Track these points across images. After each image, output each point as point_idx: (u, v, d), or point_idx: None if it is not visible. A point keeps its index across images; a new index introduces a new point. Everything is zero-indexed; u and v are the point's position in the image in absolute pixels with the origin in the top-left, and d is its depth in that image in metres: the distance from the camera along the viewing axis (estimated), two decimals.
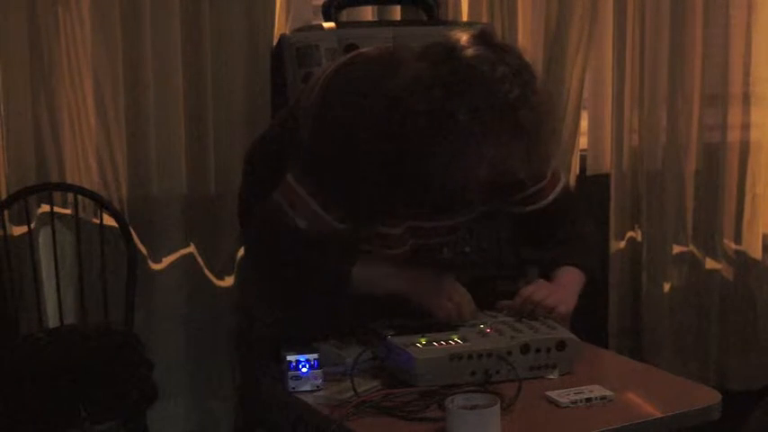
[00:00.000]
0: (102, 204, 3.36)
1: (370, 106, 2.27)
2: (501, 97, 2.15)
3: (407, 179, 2.31)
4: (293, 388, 2.26)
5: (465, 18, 3.63)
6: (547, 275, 2.55)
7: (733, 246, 3.98)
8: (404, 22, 3.52)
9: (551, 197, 2.55)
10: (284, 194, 2.38)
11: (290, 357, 2.27)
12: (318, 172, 2.36)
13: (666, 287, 3.93)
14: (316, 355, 2.29)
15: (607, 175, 3.85)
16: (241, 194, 2.70)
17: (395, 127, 2.22)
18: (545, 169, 2.49)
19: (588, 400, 2.18)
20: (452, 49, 2.20)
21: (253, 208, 2.61)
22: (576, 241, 2.60)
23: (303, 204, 2.36)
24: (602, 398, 2.19)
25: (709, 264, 3.96)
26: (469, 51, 2.19)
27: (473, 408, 2.03)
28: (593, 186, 3.82)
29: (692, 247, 3.94)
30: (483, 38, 2.22)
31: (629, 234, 3.91)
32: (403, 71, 2.24)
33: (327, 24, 3.29)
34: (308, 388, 2.26)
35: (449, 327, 2.37)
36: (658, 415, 2.18)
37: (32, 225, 3.35)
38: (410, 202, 2.42)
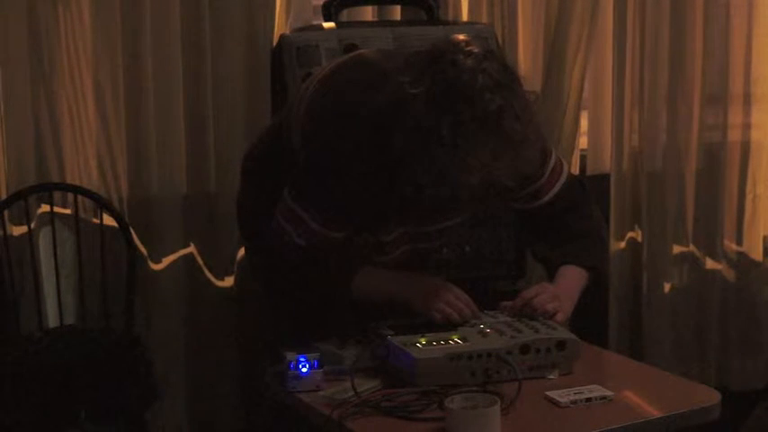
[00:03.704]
0: (102, 204, 3.36)
1: (354, 124, 2.28)
2: (483, 108, 2.14)
3: (397, 191, 2.31)
4: (293, 388, 2.26)
5: (465, 18, 3.63)
6: (551, 272, 2.56)
7: (734, 247, 3.97)
8: (404, 22, 3.52)
9: (551, 194, 2.55)
10: (281, 212, 2.40)
11: (290, 357, 2.27)
12: (310, 187, 2.38)
13: (666, 287, 3.92)
14: (316, 355, 2.29)
15: (607, 175, 3.84)
16: (239, 201, 2.71)
17: (380, 143, 2.23)
18: (538, 170, 2.48)
19: (588, 400, 2.18)
20: (434, 61, 2.20)
21: (250, 216, 2.62)
22: (582, 239, 2.60)
23: (300, 222, 2.38)
24: (602, 398, 2.19)
25: (710, 264, 3.95)
26: (450, 62, 2.18)
27: (473, 408, 2.03)
28: (594, 186, 3.82)
29: (692, 248, 3.94)
30: (465, 45, 2.21)
31: (629, 234, 3.90)
32: (386, 87, 2.24)
33: (327, 24, 3.29)
34: (307, 388, 2.26)
35: (449, 327, 2.37)
36: (658, 415, 2.18)
37: (32, 225, 3.35)
38: (401, 212, 2.42)
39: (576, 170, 3.79)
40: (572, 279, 2.55)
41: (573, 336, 2.35)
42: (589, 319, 2.77)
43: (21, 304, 3.32)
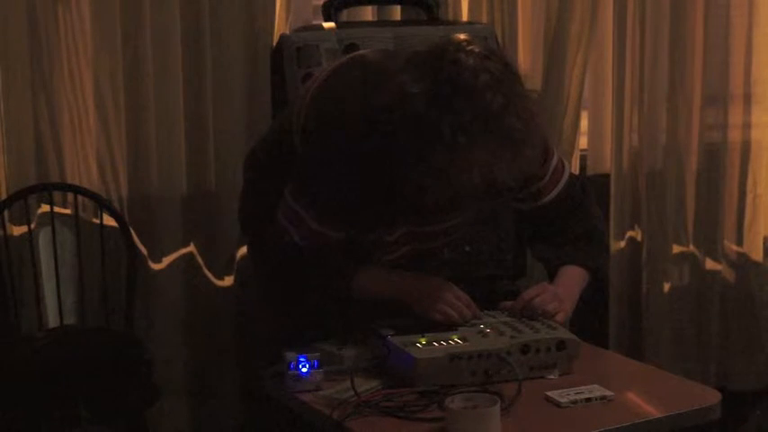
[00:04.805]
0: (102, 204, 3.36)
1: (355, 124, 2.28)
2: (485, 107, 2.14)
3: (398, 191, 2.31)
4: (293, 388, 2.27)
5: (465, 18, 3.63)
6: (552, 272, 2.56)
7: (734, 247, 3.97)
8: (404, 22, 3.52)
9: (553, 194, 2.55)
10: (283, 212, 2.40)
11: (290, 357, 2.27)
12: (311, 187, 2.38)
13: (666, 287, 3.92)
14: (316, 355, 2.29)
15: (607, 175, 3.84)
16: (240, 201, 2.71)
17: (381, 143, 2.23)
18: (539, 169, 2.48)
19: (588, 400, 2.18)
20: (435, 60, 2.20)
21: (251, 217, 2.63)
22: (583, 239, 2.60)
23: (300, 222, 2.38)
24: (602, 398, 2.19)
25: (710, 264, 3.95)
26: (451, 61, 2.18)
27: (473, 408, 2.03)
28: (594, 186, 3.81)
29: (692, 247, 3.94)
30: (466, 44, 2.21)
31: (629, 234, 3.90)
32: (387, 86, 2.24)
33: (327, 24, 3.29)
34: (307, 388, 2.26)
35: (449, 327, 2.37)
36: (658, 415, 2.18)
37: (32, 225, 3.35)
38: (402, 211, 2.42)
39: (576, 170, 3.79)
40: (572, 279, 2.55)
41: (573, 336, 2.35)
42: (589, 319, 2.76)
43: (21, 304, 3.32)
